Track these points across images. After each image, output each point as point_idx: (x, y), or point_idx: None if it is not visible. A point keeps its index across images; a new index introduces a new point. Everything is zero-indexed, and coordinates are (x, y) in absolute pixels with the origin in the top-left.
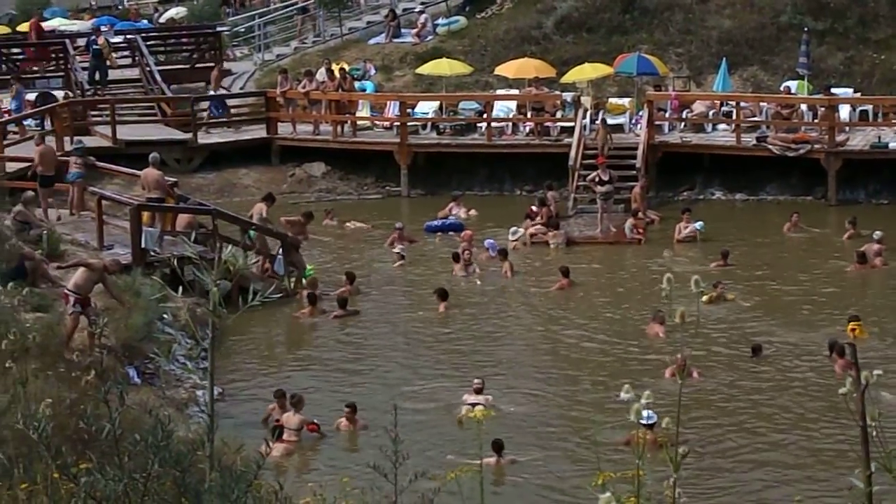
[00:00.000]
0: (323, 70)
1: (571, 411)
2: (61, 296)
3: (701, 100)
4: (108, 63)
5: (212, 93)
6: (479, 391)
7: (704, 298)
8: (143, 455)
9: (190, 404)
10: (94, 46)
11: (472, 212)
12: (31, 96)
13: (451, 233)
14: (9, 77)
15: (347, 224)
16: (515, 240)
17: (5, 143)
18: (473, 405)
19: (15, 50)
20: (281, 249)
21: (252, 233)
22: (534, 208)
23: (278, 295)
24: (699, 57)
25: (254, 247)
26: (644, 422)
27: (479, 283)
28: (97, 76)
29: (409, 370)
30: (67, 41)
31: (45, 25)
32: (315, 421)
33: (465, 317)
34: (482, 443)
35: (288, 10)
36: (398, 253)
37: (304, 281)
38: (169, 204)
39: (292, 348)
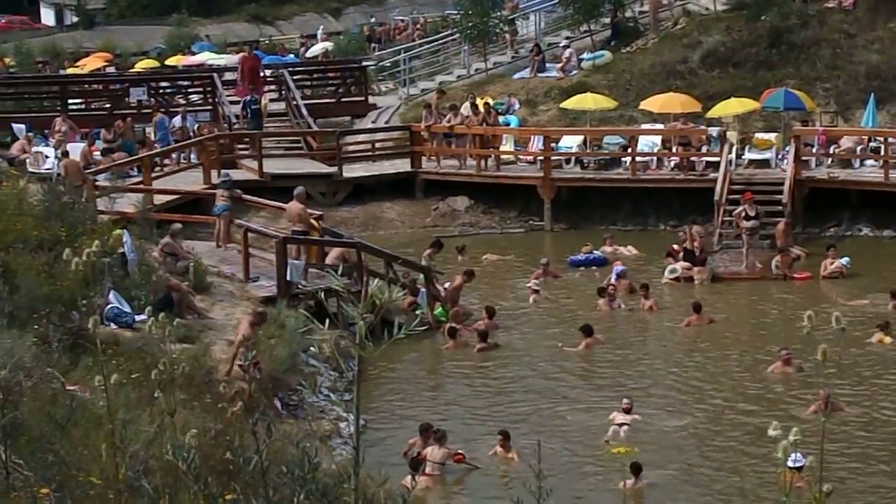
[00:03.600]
0: (467, 104)
1: (710, 442)
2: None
3: (848, 135)
4: (264, 121)
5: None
6: (627, 411)
7: (886, 339)
8: (289, 486)
9: (333, 436)
10: (254, 106)
11: (630, 248)
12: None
13: (594, 267)
14: (160, 110)
15: (485, 257)
16: (672, 277)
17: (153, 174)
18: (621, 425)
19: (164, 83)
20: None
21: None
22: (675, 246)
23: (423, 328)
24: (847, 92)
25: (398, 280)
26: (791, 465)
27: (624, 314)
28: None
29: (551, 403)
30: (215, 75)
31: (193, 60)
32: (460, 451)
33: (607, 351)
34: (626, 478)
35: (433, 45)
36: (532, 287)
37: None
38: (313, 237)
39: (435, 381)
